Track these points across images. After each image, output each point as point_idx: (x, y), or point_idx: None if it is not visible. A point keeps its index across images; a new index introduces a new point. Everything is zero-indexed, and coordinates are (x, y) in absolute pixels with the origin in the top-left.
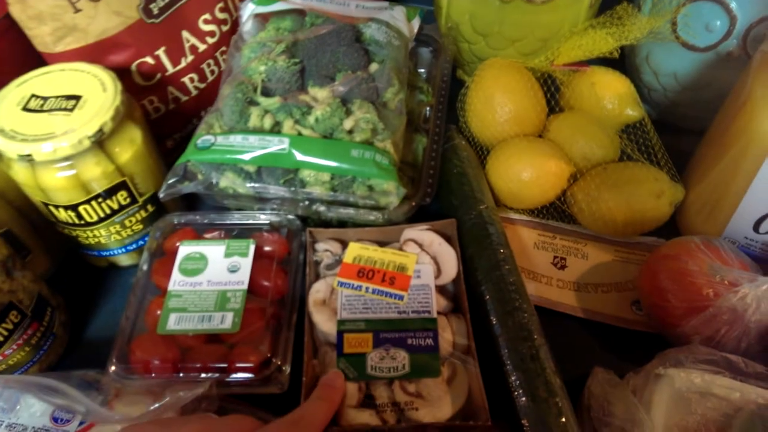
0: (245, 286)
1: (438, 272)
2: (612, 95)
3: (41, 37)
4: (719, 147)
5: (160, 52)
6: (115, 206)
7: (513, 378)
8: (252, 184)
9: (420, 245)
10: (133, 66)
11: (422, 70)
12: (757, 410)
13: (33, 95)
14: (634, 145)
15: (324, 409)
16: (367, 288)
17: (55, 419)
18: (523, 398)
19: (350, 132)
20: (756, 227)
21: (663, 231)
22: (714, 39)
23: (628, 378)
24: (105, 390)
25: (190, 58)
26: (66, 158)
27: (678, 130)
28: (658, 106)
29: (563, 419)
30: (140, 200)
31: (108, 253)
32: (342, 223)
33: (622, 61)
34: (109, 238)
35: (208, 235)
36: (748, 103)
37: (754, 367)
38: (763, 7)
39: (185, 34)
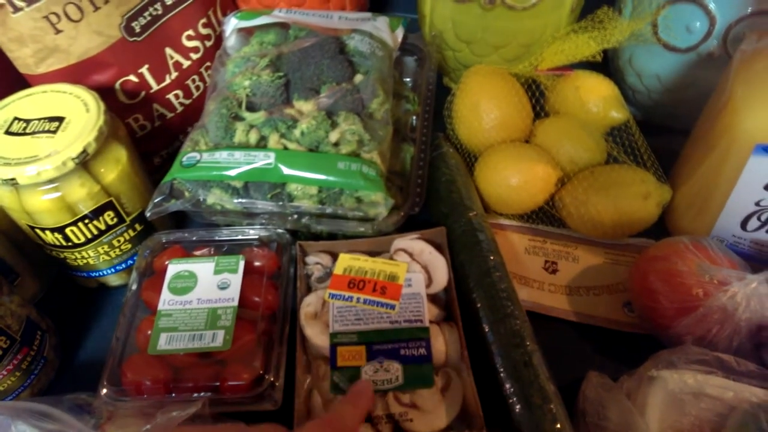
0: (236, 303)
1: (429, 281)
2: (596, 98)
3: (23, 59)
4: (704, 146)
5: (144, 70)
6: (103, 227)
7: (507, 385)
8: (239, 200)
9: (410, 254)
10: (117, 84)
11: (408, 79)
12: (750, 409)
13: (15, 118)
14: (620, 147)
15: (357, 413)
16: (358, 298)
17: None
18: (518, 406)
19: (336, 144)
20: (743, 225)
21: (652, 232)
22: (694, 40)
23: (623, 381)
24: (97, 413)
25: (174, 74)
26: (50, 181)
27: (663, 131)
28: (642, 108)
29: (558, 425)
30: (128, 220)
31: (97, 274)
32: (332, 236)
33: (606, 65)
34: (98, 258)
35: (197, 253)
36: (730, 102)
37: (746, 365)
38: (742, 7)
39: (168, 50)
